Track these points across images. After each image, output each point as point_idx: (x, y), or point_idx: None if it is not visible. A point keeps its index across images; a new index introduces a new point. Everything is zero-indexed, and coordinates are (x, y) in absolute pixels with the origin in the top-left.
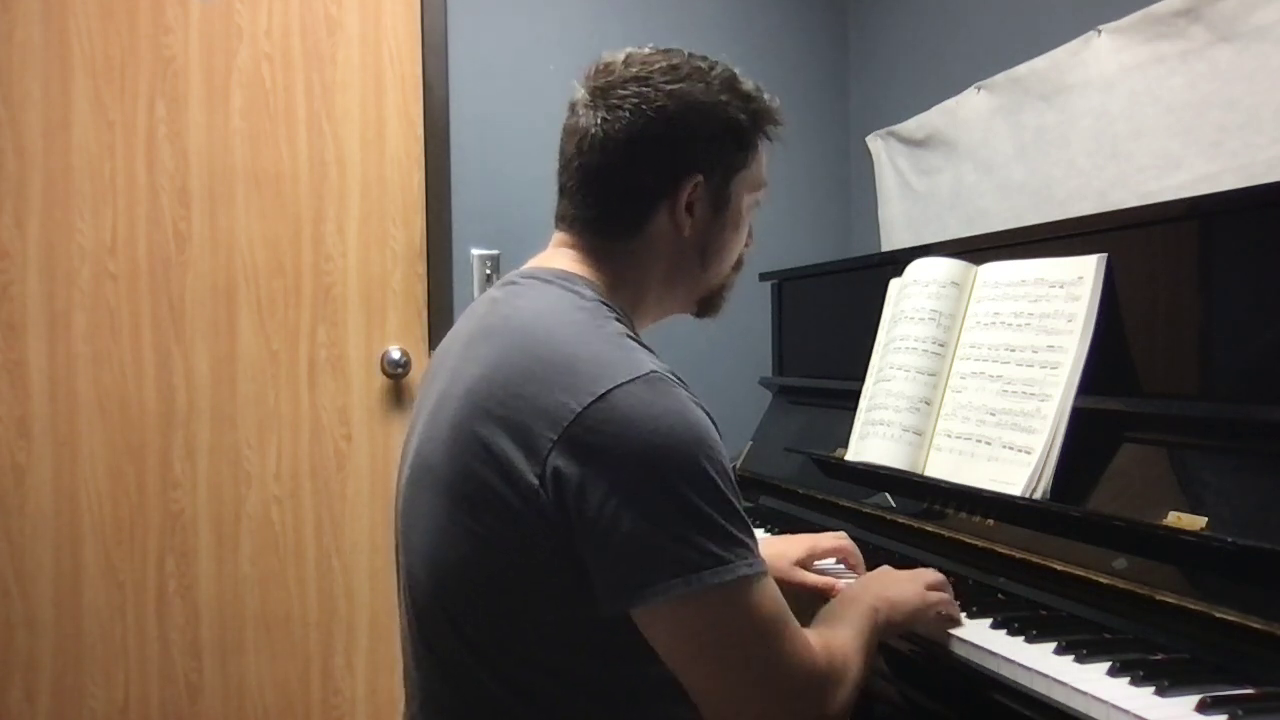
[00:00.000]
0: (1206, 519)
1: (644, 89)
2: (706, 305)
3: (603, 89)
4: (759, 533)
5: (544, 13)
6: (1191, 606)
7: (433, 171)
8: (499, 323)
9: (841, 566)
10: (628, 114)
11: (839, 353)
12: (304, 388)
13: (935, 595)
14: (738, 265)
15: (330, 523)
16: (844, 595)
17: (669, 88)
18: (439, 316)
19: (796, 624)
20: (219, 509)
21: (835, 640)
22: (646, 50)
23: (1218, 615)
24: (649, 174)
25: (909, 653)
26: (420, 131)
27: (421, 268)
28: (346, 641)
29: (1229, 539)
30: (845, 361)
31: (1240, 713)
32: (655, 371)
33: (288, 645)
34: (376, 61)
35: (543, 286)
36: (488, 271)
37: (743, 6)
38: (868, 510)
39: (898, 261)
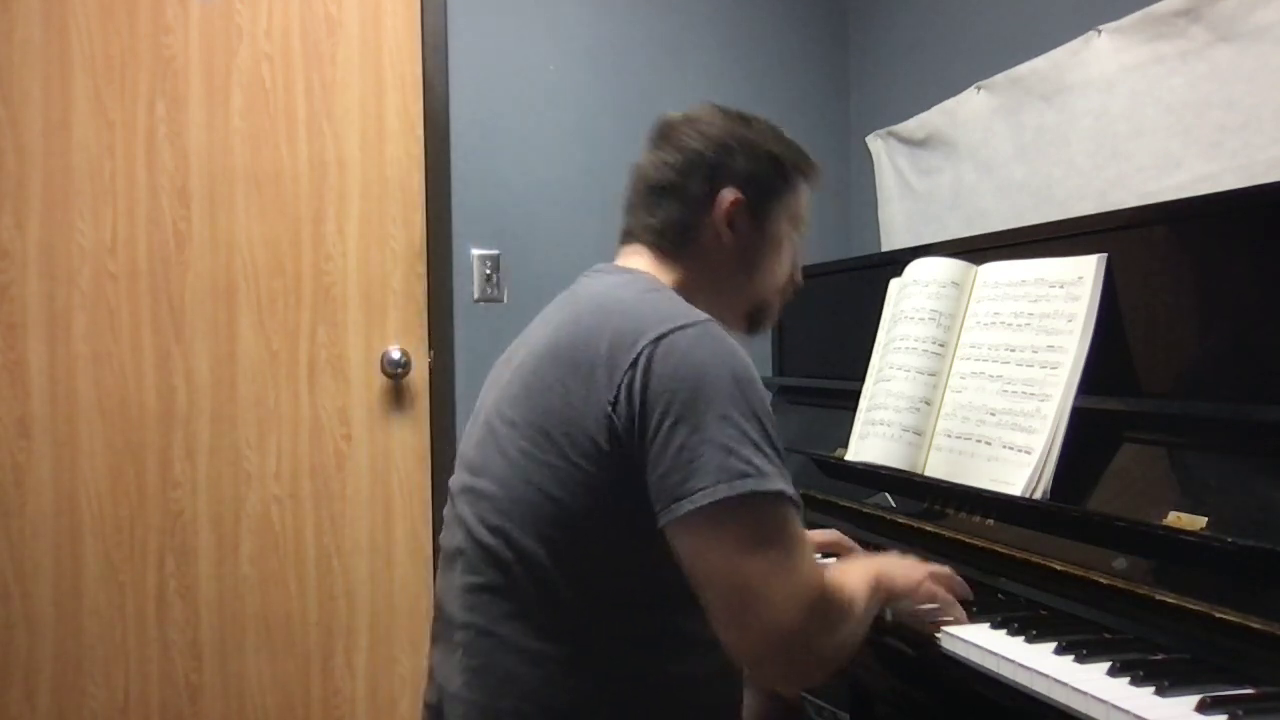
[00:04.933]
0: (1206, 519)
1: (694, 125)
2: (756, 320)
3: (661, 132)
4: None
5: (544, 13)
6: (1191, 606)
7: (433, 171)
8: (570, 298)
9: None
10: (680, 142)
11: (839, 353)
12: (304, 388)
13: (933, 586)
14: (785, 291)
15: (330, 523)
16: (849, 561)
17: (716, 122)
18: (439, 316)
19: (813, 557)
20: (219, 509)
21: (841, 580)
22: (701, 105)
23: (1218, 615)
24: (694, 187)
25: (910, 652)
26: (420, 131)
27: (421, 268)
28: (346, 641)
29: (1229, 539)
30: (845, 361)
31: (1240, 713)
32: (709, 320)
33: (288, 645)
34: (376, 61)
35: (607, 275)
36: (488, 271)
37: (743, 6)
38: (868, 510)
39: (898, 261)
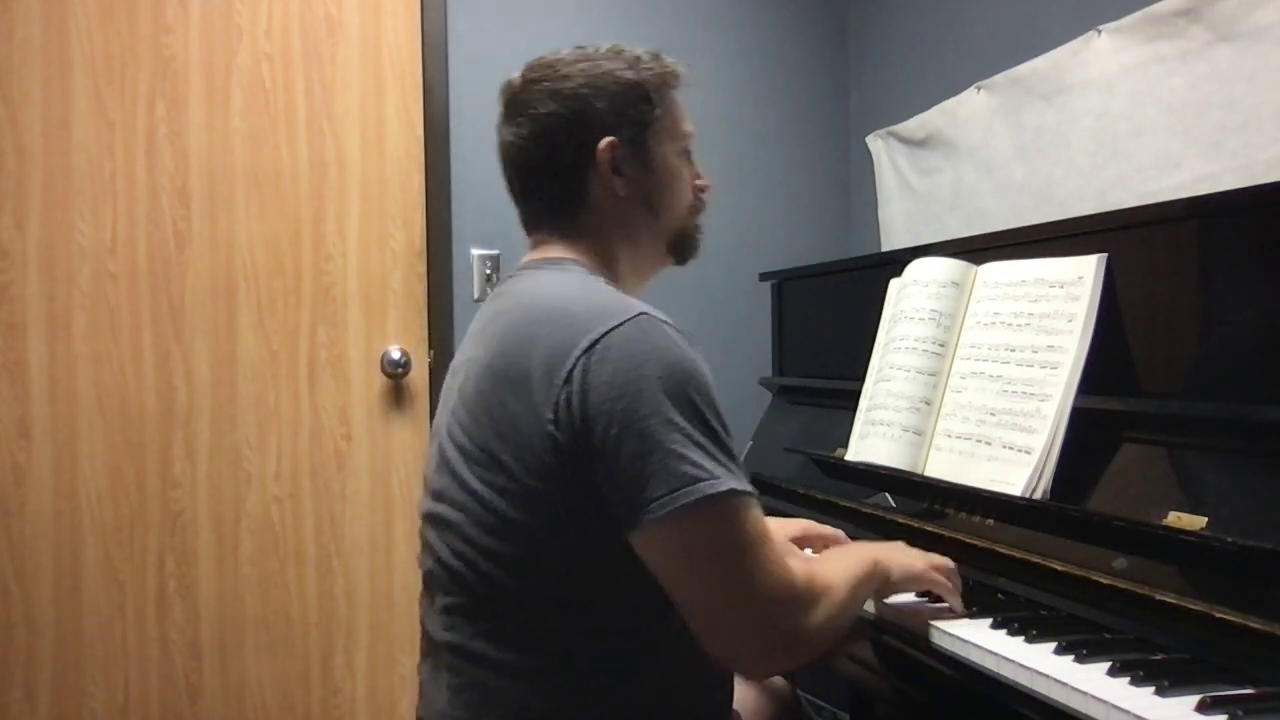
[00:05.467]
0: (1206, 519)
1: (540, 86)
2: (680, 249)
3: (509, 104)
4: None
5: (544, 13)
6: (1191, 606)
7: (433, 171)
8: (503, 307)
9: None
10: (532, 113)
11: (839, 353)
12: (304, 388)
13: (935, 574)
14: (698, 207)
15: (330, 523)
16: (849, 545)
17: (560, 75)
18: (439, 316)
19: (777, 546)
20: (219, 509)
21: (820, 568)
22: (536, 61)
23: (1218, 615)
24: (565, 153)
25: (910, 652)
26: (420, 131)
27: (421, 268)
28: (346, 641)
29: (1229, 539)
30: (845, 361)
31: (1240, 713)
32: (645, 314)
33: (288, 645)
34: (376, 61)
35: (535, 273)
36: (488, 271)
37: (743, 7)
38: (868, 510)
39: (898, 261)
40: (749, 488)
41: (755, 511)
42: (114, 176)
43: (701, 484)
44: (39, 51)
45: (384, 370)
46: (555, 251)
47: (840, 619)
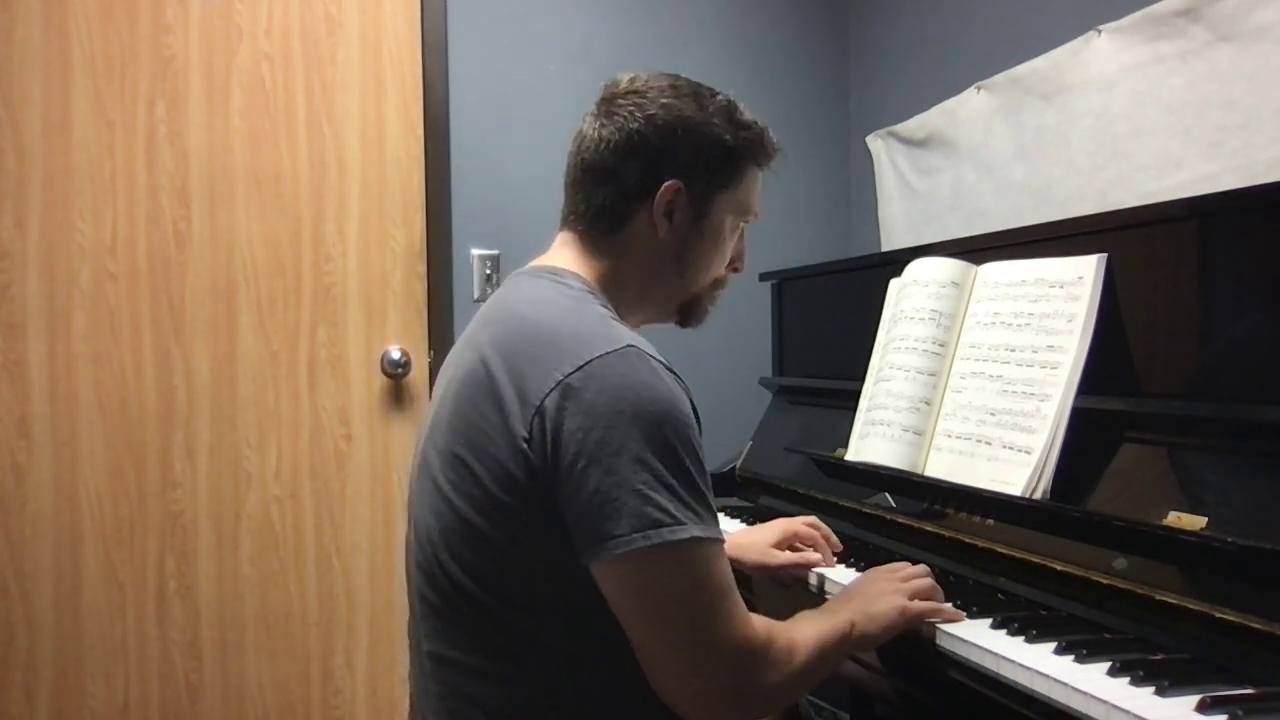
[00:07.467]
0: (1206, 519)
1: (640, 100)
2: (687, 314)
3: (606, 100)
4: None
5: (544, 13)
6: (1191, 606)
7: (433, 171)
8: (497, 312)
9: (818, 557)
10: (622, 120)
11: (839, 353)
12: (304, 388)
13: (918, 606)
14: (720, 283)
15: (330, 523)
16: (827, 603)
17: (663, 100)
18: (439, 316)
19: (741, 600)
20: (219, 509)
21: (787, 629)
22: (655, 73)
23: (1218, 615)
24: (631, 173)
25: (909, 652)
26: (420, 131)
27: (421, 268)
28: (346, 641)
29: (1229, 539)
30: (845, 361)
31: (1240, 713)
32: (633, 346)
33: (288, 645)
34: (376, 61)
35: (535, 280)
36: (488, 271)
37: (743, 6)
38: (868, 510)
39: (898, 261)
40: (717, 534)
41: (720, 562)
42: (114, 176)
43: (664, 529)
44: (39, 51)
45: (384, 370)
46: (566, 260)
47: (801, 681)
